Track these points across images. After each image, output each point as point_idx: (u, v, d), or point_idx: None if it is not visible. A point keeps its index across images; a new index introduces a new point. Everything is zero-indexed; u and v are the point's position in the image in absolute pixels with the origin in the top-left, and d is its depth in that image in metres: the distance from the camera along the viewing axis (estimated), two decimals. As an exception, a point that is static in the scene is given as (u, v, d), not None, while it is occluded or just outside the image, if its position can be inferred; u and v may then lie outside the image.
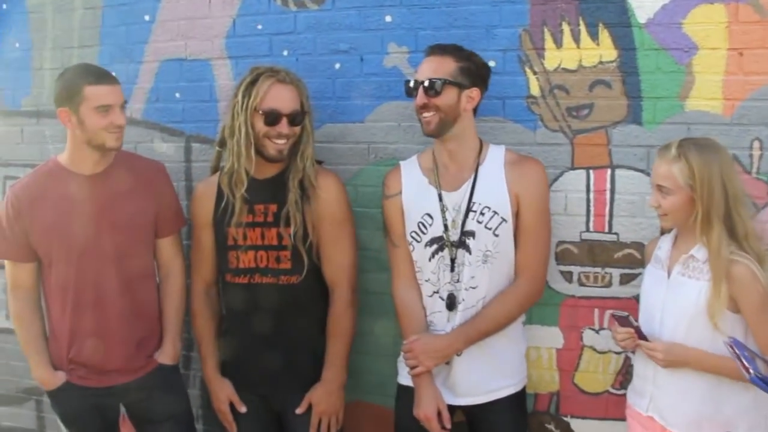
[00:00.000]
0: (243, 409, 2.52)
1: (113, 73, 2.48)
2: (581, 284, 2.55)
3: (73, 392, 2.50)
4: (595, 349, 2.55)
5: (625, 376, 2.51)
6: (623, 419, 2.33)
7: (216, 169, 2.62)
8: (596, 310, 2.54)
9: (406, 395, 2.40)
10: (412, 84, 2.32)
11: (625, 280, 2.50)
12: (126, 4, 3.06)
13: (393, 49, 2.69)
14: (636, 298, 2.35)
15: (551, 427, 2.64)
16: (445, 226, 2.34)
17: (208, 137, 2.96)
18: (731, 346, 1.88)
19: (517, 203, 2.31)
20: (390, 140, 2.73)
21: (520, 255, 2.33)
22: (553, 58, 2.50)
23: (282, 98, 2.38)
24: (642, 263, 2.39)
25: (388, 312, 2.56)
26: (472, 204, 2.31)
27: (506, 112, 2.57)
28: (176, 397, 2.65)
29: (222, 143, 2.53)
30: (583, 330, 2.56)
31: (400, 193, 2.42)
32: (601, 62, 2.46)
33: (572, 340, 2.57)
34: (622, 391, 2.47)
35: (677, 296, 2.09)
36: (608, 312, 2.50)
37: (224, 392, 2.53)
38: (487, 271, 2.30)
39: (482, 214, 2.30)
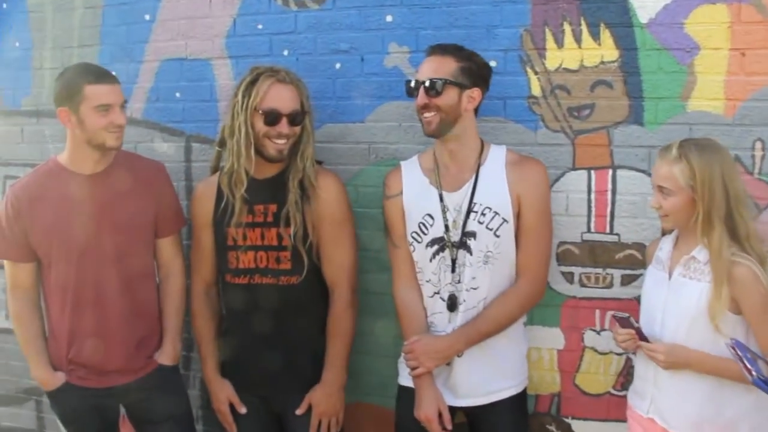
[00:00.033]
0: (243, 409, 2.52)
1: (113, 73, 2.48)
2: (582, 285, 2.54)
3: (72, 393, 2.49)
4: (596, 350, 2.55)
5: (626, 377, 2.50)
6: (624, 420, 2.32)
7: (216, 169, 2.62)
8: (597, 311, 2.54)
9: (406, 396, 2.40)
10: (412, 84, 2.31)
11: (627, 281, 2.49)
12: (126, 3, 3.05)
13: (394, 49, 2.68)
14: (637, 299, 2.34)
15: (552, 428, 2.63)
16: (446, 227, 2.33)
17: (208, 137, 2.95)
18: (733, 348, 1.86)
19: (519, 204, 2.30)
20: (390, 140, 2.72)
21: (521, 256, 2.33)
22: (554, 58, 2.50)
23: (282, 98, 2.37)
24: (643, 264, 2.38)
25: (388, 312, 2.56)
26: (473, 204, 2.31)
27: (507, 112, 2.56)
28: (176, 397, 2.65)
29: (222, 143, 2.52)
30: (584, 331, 2.55)
31: (401, 193, 2.41)
32: (602, 62, 2.45)
33: (573, 341, 2.57)
34: (623, 393, 2.46)
35: (678, 297, 2.09)
36: (609, 313, 2.49)
37: (224, 393, 2.53)
38: (488, 272, 2.30)
39: (483, 214, 2.29)
